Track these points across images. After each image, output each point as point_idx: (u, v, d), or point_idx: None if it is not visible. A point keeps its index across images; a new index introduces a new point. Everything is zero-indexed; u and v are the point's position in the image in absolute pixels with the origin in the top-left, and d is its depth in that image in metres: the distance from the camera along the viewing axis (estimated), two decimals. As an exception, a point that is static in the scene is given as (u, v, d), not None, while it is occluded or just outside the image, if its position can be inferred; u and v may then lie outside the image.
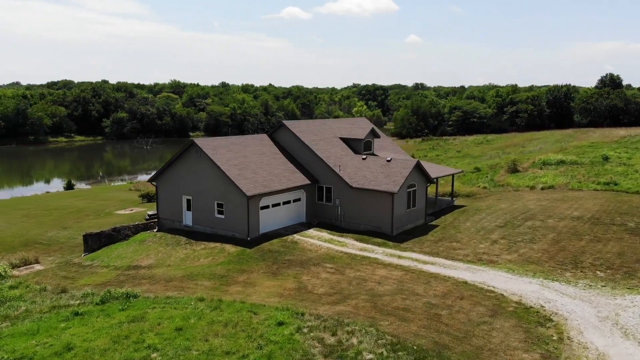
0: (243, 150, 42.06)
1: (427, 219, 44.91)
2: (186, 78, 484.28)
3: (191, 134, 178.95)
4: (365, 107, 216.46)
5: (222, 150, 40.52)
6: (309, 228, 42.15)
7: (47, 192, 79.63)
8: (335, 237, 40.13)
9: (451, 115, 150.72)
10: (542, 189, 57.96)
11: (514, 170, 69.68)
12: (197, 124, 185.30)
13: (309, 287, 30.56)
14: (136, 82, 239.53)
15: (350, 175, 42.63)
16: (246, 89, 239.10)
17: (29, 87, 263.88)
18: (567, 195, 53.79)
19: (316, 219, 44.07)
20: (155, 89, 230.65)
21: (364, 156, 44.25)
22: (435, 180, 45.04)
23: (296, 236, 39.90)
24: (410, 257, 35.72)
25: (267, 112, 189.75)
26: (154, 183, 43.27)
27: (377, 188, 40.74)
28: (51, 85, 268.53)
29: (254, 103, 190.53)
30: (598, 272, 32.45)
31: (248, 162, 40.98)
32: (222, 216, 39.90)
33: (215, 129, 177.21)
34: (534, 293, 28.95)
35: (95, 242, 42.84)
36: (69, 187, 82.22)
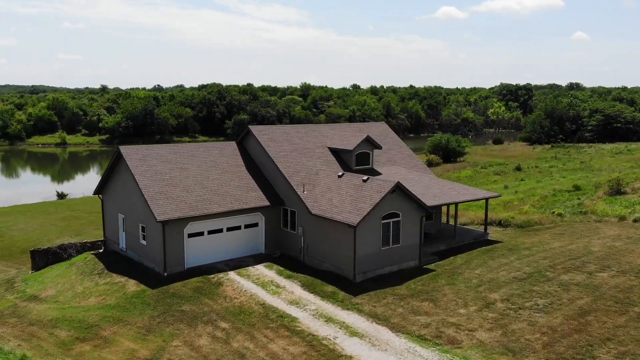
0: (188, 161, 34.53)
1: (428, 259, 33.59)
2: (336, 83, 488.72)
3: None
4: (503, 108, 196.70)
5: (153, 161, 33.38)
6: (260, 263, 33.35)
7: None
8: (278, 279, 30.90)
9: (590, 119, 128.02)
10: (635, 221, 42.38)
11: (617, 191, 53.34)
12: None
13: (155, 361, 22.26)
14: (281, 86, 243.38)
15: (316, 198, 33.05)
16: (374, 90, 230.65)
17: (181, 90, 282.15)
18: (661, 234, 38.29)
19: (278, 250, 35.09)
20: (287, 92, 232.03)
21: (341, 173, 34.21)
22: (432, 209, 33.48)
23: (231, 274, 31.41)
24: (342, 322, 25.53)
25: (388, 114, 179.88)
26: (100, 196, 37.50)
27: (335, 217, 30.75)
28: (201, 88, 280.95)
29: (375, 105, 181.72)
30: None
31: (186, 176, 33.36)
32: (145, 242, 32.84)
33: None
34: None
35: (42, 259, 38.30)
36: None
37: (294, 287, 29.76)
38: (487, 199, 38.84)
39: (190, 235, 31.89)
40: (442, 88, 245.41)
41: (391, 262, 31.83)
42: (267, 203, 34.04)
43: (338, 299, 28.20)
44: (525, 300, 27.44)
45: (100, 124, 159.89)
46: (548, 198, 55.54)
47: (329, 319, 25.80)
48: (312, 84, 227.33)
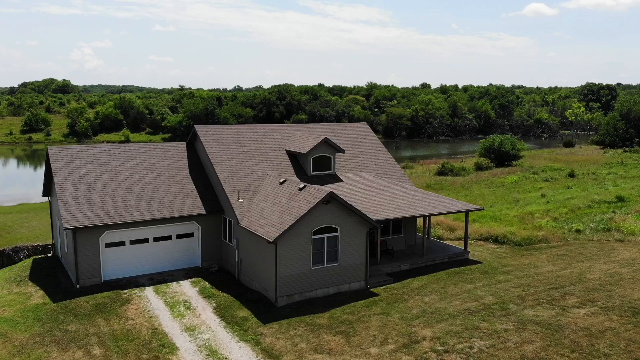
0: (121, 163, 31.84)
1: (379, 281, 28.96)
2: (415, 81, 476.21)
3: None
4: (582, 109, 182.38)
5: (81, 162, 30.95)
6: (190, 278, 30.05)
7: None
8: (195, 299, 27.47)
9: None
10: (664, 242, 35.30)
11: (661, 205, 45.50)
12: (376, 126, 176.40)
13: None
14: (349, 85, 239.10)
15: (250, 207, 29.35)
16: (444, 89, 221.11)
17: (257, 89, 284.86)
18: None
19: (216, 264, 31.65)
20: (353, 91, 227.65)
21: (283, 179, 30.19)
22: (380, 224, 28.71)
23: (147, 290, 28.32)
24: (225, 358, 21.73)
25: (454, 114, 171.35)
26: (49, 198, 35.72)
27: (257, 231, 26.89)
28: (274, 89, 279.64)
29: (440, 104, 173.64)
30: None
31: (114, 179, 30.68)
32: (67, 250, 30.50)
33: (392, 132, 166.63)
34: None
35: (-2, 262, 37.17)
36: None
37: (205, 310, 26.21)
38: (467, 212, 33.40)
39: (108, 245, 29.15)
40: (523, 87, 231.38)
41: (326, 283, 27.52)
42: (202, 211, 30.73)
43: (244, 326, 24.36)
44: (460, 340, 22.36)
45: (163, 123, 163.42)
46: (580, 210, 48.45)
47: (212, 353, 22.04)
48: (378, 84, 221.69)
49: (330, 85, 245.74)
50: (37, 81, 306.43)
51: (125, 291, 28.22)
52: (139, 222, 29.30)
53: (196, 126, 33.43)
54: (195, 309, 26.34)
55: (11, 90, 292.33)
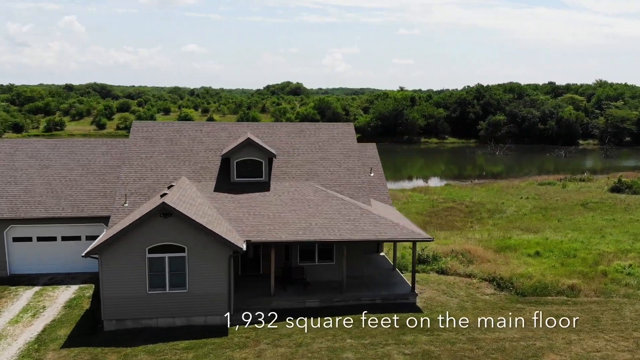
0: (57, 158, 31.17)
1: (252, 317, 23.35)
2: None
3: (581, 142, 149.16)
4: None
5: (20, 155, 31.17)
6: (86, 282, 28.15)
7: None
8: (56, 304, 25.52)
9: None
10: None
11: None
12: (592, 130, 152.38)
13: None
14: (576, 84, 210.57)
15: (126, 214, 26.20)
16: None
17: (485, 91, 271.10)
18: None
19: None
20: (572, 89, 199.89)
21: (173, 184, 26.18)
22: (240, 248, 22.78)
23: (32, 290, 27.22)
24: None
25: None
26: None
27: (99, 240, 23.65)
28: (508, 89, 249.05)
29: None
30: None
31: (39, 174, 30.20)
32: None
33: (614, 136, 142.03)
34: None
35: None
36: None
37: (42, 321, 23.99)
38: (414, 242, 25.10)
39: (15, 240, 28.90)
40: None
41: (171, 313, 23.04)
42: (107, 214, 28.53)
43: (44, 345, 21.57)
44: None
45: (354, 124, 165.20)
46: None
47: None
48: (608, 82, 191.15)
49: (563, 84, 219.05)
50: (277, 84, 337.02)
51: (13, 287, 27.65)
52: (42, 219, 28.51)
53: (135, 122, 31.32)
54: (38, 318, 24.36)
55: (257, 92, 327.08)
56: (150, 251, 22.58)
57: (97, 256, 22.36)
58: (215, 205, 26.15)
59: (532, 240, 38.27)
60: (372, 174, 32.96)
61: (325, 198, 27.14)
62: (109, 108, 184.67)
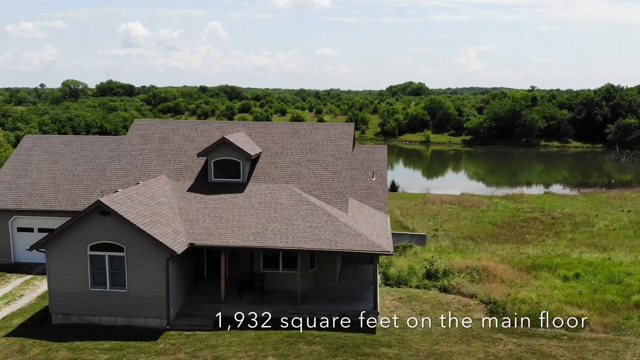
0: (69, 155, 32.41)
1: (191, 323, 22.48)
2: None
3: None
4: None
5: (38, 150, 32.90)
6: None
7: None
8: (29, 296, 26.51)
9: None
10: None
11: None
12: None
13: None
14: None
15: (103, 210, 26.47)
16: None
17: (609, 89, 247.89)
18: None
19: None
20: None
21: (139, 182, 25.94)
22: (174, 251, 21.75)
23: (23, 278, 28.72)
24: None
25: None
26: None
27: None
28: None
29: None
30: None
31: (49, 169, 31.73)
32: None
33: None
34: None
35: None
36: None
37: (15, 307, 25.11)
38: (374, 255, 22.55)
39: (20, 230, 30.60)
40: None
41: (112, 312, 22.85)
42: (96, 209, 29.11)
43: (-9, 335, 22.39)
44: None
45: (465, 125, 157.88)
46: None
47: None
48: None
49: None
50: (399, 84, 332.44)
51: (9, 274, 29.25)
52: (41, 211, 29.85)
53: (135, 120, 31.75)
54: (9, 305, 25.55)
55: (379, 93, 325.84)
56: (92, 248, 22.53)
57: (44, 250, 22.74)
58: (180, 205, 25.57)
59: (584, 259, 33.28)
60: (373, 178, 30.45)
61: (296, 202, 25.39)
62: (230, 109, 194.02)
